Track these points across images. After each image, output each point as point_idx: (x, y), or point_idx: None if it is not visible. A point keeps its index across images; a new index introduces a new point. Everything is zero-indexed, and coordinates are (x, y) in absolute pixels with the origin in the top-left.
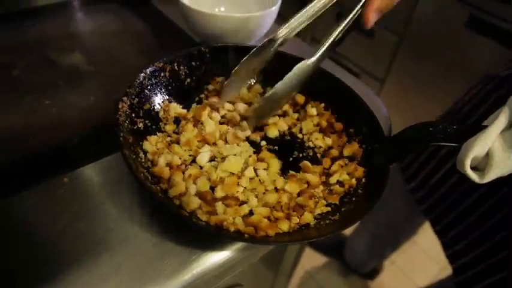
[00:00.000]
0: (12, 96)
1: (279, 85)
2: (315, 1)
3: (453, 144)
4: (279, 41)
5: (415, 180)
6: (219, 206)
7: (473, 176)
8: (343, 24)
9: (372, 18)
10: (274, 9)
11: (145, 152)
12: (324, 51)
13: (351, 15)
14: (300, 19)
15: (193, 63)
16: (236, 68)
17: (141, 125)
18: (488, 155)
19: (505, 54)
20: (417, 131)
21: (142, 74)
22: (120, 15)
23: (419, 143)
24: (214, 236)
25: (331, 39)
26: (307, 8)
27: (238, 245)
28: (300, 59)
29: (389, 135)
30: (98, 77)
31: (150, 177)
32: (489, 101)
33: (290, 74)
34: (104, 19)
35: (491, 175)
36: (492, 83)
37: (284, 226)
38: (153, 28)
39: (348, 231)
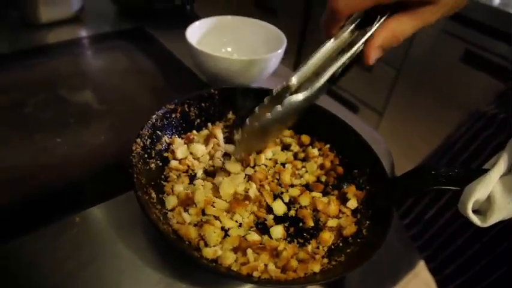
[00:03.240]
0: (23, 133)
1: (266, 117)
2: (327, 43)
3: (455, 188)
4: (293, 89)
5: (409, 216)
6: (250, 254)
7: (475, 219)
8: (342, 60)
9: (372, 55)
10: (280, 51)
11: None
12: (319, 87)
13: (352, 51)
14: (312, 63)
15: (203, 104)
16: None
17: (153, 166)
18: (489, 199)
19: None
20: (420, 175)
21: (154, 116)
22: (129, 53)
23: (422, 187)
24: (225, 278)
25: (328, 74)
26: (319, 51)
27: (247, 287)
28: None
29: (392, 172)
30: (108, 115)
31: (161, 218)
32: (479, 138)
33: (279, 108)
34: (114, 57)
35: (493, 219)
36: (481, 121)
37: (315, 267)
38: (161, 66)
39: None
